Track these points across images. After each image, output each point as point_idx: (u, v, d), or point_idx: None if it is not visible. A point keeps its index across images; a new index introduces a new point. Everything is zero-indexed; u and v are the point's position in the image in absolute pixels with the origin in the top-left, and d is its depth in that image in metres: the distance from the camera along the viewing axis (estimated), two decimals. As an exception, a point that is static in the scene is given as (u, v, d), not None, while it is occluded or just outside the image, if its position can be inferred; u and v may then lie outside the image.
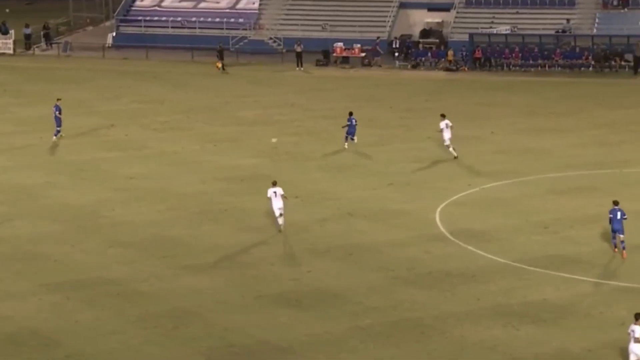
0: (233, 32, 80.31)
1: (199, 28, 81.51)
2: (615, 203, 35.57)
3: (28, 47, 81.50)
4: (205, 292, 32.85)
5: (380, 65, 74.32)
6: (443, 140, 48.63)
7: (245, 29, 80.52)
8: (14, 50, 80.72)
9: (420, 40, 77.59)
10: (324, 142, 52.42)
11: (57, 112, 52.56)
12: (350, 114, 50.92)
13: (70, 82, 68.42)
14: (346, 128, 50.70)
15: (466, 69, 73.23)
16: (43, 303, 31.99)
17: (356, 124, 50.57)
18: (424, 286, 33.27)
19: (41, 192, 43.74)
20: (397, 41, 76.65)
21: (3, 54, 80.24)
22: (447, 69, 73.23)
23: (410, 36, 78.24)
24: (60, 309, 31.54)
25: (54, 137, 52.50)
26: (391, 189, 44.21)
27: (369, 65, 74.72)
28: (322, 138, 53.35)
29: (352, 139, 50.53)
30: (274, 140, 52.13)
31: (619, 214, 35.29)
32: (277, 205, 38.16)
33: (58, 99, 53.18)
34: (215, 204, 42.13)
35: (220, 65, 72.77)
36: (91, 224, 39.61)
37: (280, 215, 38.14)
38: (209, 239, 37.90)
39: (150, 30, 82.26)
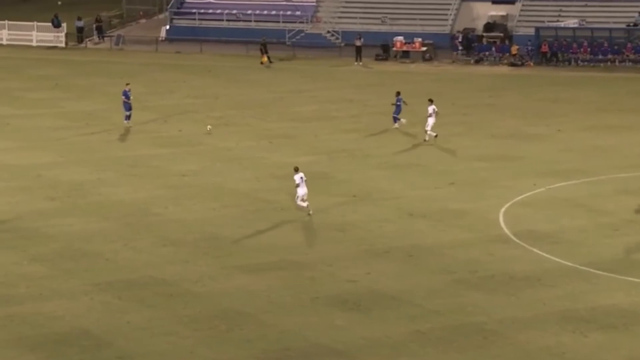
0: (289, 26, 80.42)
1: (255, 21, 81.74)
2: None
3: (80, 40, 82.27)
4: (259, 293, 32.88)
5: (454, 61, 73.73)
6: (426, 125, 50.67)
7: (302, 22, 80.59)
8: (66, 43, 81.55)
9: (484, 34, 77.10)
10: (382, 139, 52.27)
11: (124, 98, 54.00)
12: (398, 93, 53.38)
13: (122, 76, 68.85)
14: (393, 108, 53.31)
15: (531, 64, 72.65)
16: (94, 302, 32.22)
17: (401, 104, 53.11)
18: (487, 289, 33.02)
19: (92, 188, 44.07)
20: (460, 35, 76.26)
21: (55, 47, 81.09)
22: (512, 64, 72.72)
23: (473, 30, 77.78)
24: (112, 309, 31.75)
25: (125, 122, 54.07)
26: (453, 188, 43.96)
27: (430, 59, 74.42)
28: (381, 135, 53.20)
29: (399, 120, 53.18)
30: (208, 127, 53.28)
31: None
32: (304, 191, 39.69)
33: (127, 84, 54.51)
34: (270, 202, 42.18)
35: (265, 59, 72.95)
36: (143, 222, 39.84)
37: (304, 200, 39.65)
38: (263, 238, 37.94)
39: (205, 24, 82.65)
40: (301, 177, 39.87)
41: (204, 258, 36.00)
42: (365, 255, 36.25)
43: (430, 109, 50.80)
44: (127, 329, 30.35)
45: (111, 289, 33.23)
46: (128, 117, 54.35)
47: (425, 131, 50.79)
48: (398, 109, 53.06)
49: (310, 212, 39.82)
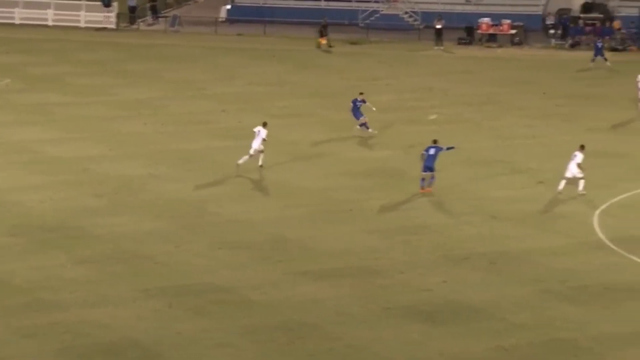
0: (363, 5, 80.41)
1: (325, 0, 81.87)
2: (435, 142, 43.05)
3: (132, 21, 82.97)
4: (325, 303, 33.05)
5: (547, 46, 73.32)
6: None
7: (377, 2, 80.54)
8: (117, 24, 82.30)
9: (581, 15, 76.48)
10: (466, 133, 52.14)
11: (353, 105, 51.93)
12: None
13: (178, 61, 69.54)
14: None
15: (635, 48, 71.87)
16: (143, 310, 32.63)
17: None
18: (580, 302, 32.87)
19: (143, 185, 44.56)
20: (553, 17, 75.75)
21: (104, 28, 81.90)
22: (613, 49, 72.03)
23: (569, 11, 77.19)
24: (163, 318, 32.13)
25: (359, 128, 51.69)
26: (543, 188, 43.76)
27: (520, 44, 74.06)
28: (465, 128, 53.09)
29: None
30: (433, 117, 53.61)
31: (432, 150, 42.55)
32: (256, 144, 44.83)
33: (360, 93, 52.47)
34: (340, 202, 42.33)
35: (323, 42, 73.26)
36: (198, 222, 40.22)
37: (252, 155, 44.72)
38: (331, 242, 38.11)
39: (269, 3, 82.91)
40: (258, 131, 44.95)
41: (265, 263, 36.26)
42: (443, 261, 36.26)
43: None
44: (178, 340, 30.70)
45: (162, 295, 33.61)
46: (362, 125, 51.45)
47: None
48: None
49: (240, 161, 44.65)
